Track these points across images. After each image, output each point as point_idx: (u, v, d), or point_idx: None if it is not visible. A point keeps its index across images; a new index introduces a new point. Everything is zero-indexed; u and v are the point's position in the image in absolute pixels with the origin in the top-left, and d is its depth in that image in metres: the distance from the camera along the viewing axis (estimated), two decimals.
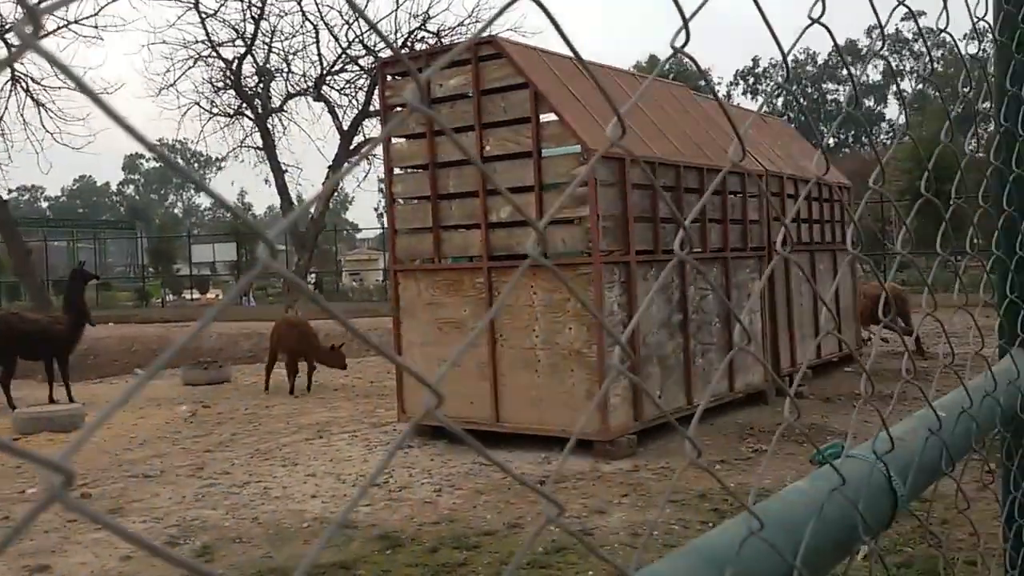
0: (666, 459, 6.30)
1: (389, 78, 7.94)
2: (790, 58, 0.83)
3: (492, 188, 7.11)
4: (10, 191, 17.29)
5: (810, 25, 0.85)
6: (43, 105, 15.46)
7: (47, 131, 15.69)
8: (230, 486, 5.93)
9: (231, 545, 4.67)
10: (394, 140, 7.89)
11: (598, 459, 6.30)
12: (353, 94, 18.22)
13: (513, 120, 7.00)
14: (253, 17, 16.60)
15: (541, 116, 6.91)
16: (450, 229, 7.48)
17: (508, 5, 0.54)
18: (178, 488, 5.93)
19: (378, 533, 4.78)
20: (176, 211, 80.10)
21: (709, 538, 0.66)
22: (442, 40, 17.11)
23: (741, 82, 52.68)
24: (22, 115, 15.97)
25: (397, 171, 7.86)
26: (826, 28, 0.89)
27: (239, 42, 16.96)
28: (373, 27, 0.41)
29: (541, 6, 0.52)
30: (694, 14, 0.63)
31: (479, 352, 7.09)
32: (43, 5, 0.31)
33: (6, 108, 15.60)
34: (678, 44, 0.62)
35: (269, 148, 18.16)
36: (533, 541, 0.57)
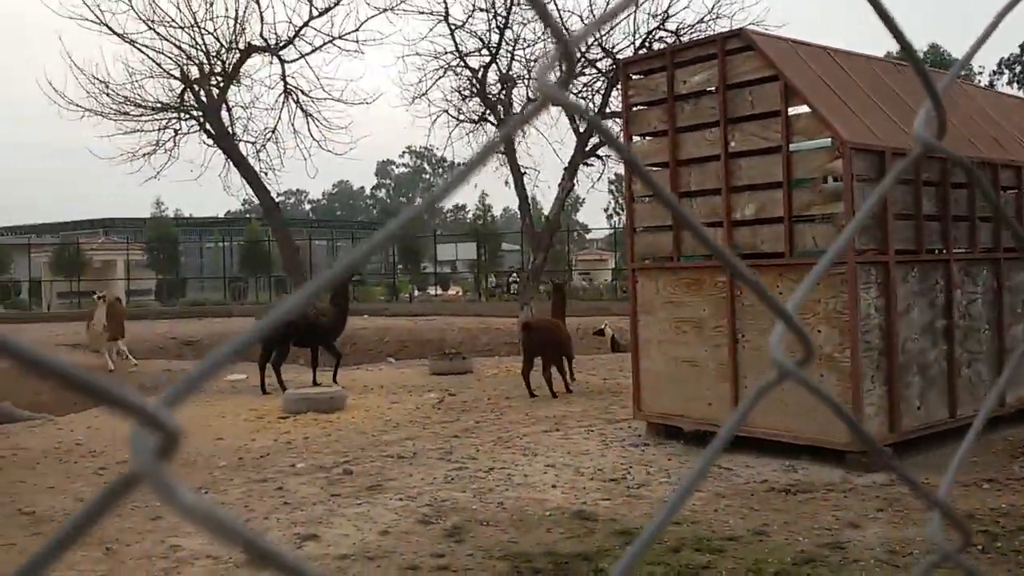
0: (927, 475, 5.82)
1: (632, 77, 7.94)
2: None
3: (736, 185, 6.92)
4: (279, 195, 19.05)
5: None
6: (311, 115, 16.90)
7: (313, 139, 17.12)
8: (476, 471, 6.19)
9: (478, 527, 4.87)
10: (635, 138, 7.89)
11: (849, 470, 5.94)
12: (590, 97, 18.40)
13: (761, 114, 6.77)
14: (498, 27, 17.19)
15: (791, 109, 6.63)
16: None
17: None
18: (429, 470, 6.28)
19: (618, 528, 4.79)
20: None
21: None
22: (681, 38, 16.85)
23: (1007, 71, 47.62)
24: (292, 125, 17.51)
25: None
26: None
27: (484, 51, 17.64)
28: None
29: None
30: None
31: (719, 352, 6.92)
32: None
33: (279, 119, 17.22)
34: None
35: (509, 151, 18.73)
36: None
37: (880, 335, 6.39)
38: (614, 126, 18.07)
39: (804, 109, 6.58)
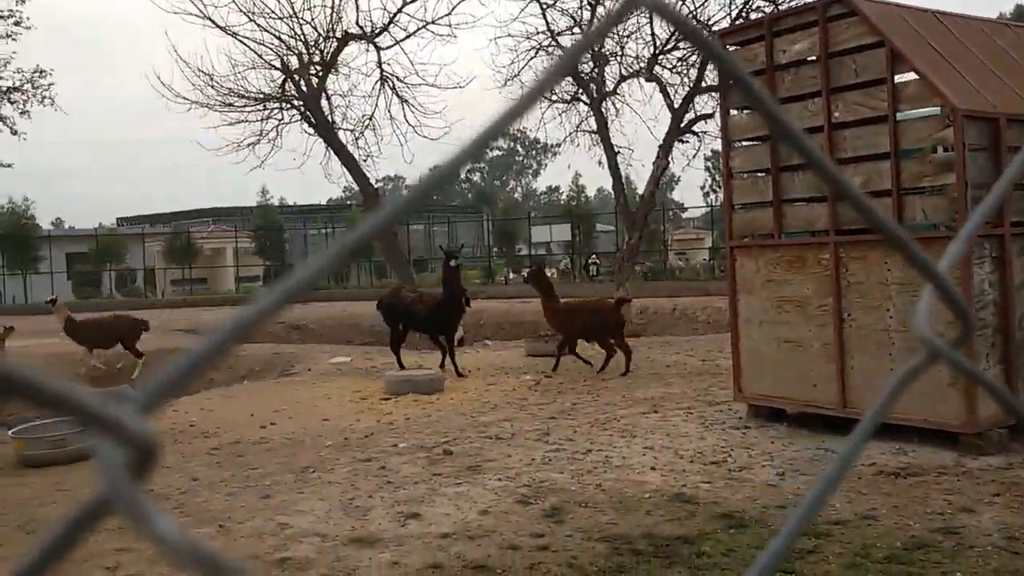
0: None
1: (728, 48, 7.73)
2: None
3: (841, 157, 6.68)
4: (377, 181, 19.41)
5: None
6: (406, 101, 17.12)
7: (409, 125, 17.34)
8: (574, 452, 6.20)
9: (577, 509, 4.88)
10: (732, 112, 7.70)
11: (963, 453, 5.69)
12: (685, 71, 18.04)
13: (866, 82, 6.50)
14: (590, 3, 17.01)
15: (897, 76, 6.35)
16: (792, 202, 7.15)
17: None
18: (527, 451, 6.32)
19: (720, 511, 4.72)
20: (516, 195, 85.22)
21: None
22: (779, 6, 16.34)
23: None
24: (389, 111, 17.77)
25: (735, 144, 7.66)
26: None
27: (576, 29, 17.50)
28: None
29: None
30: None
31: (824, 332, 6.71)
32: None
33: (376, 105, 17.50)
34: None
35: (602, 131, 18.57)
36: None
37: (995, 312, 6.09)
38: (710, 100, 17.71)
39: (911, 76, 6.29)
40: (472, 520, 4.79)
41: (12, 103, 16.84)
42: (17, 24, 16.73)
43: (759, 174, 7.51)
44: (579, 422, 7.31)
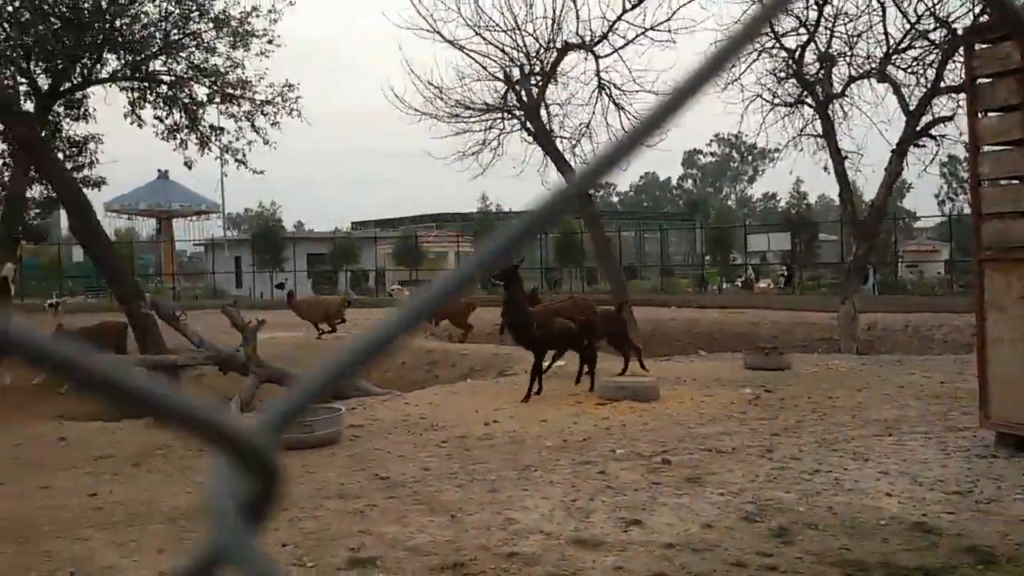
0: None
1: (975, 47, 7.18)
2: None
3: None
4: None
5: None
6: (623, 108, 17.16)
7: (625, 132, 17.39)
8: (800, 472, 5.98)
9: (806, 531, 4.71)
10: (979, 114, 7.13)
11: None
12: (921, 71, 16.90)
13: None
14: (817, 3, 16.33)
15: None
16: None
17: None
18: (750, 467, 6.16)
19: (966, 545, 4.40)
20: (730, 203, 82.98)
21: None
22: None
23: None
24: (605, 119, 17.86)
25: (985, 149, 7.09)
26: None
27: (802, 30, 16.85)
28: None
29: None
30: None
31: None
32: None
33: (593, 113, 17.69)
34: None
35: (828, 135, 17.76)
36: None
37: None
38: (949, 102, 16.46)
39: None
40: (695, 533, 4.75)
41: (265, 115, 18.41)
42: (270, 43, 18.30)
43: (1012, 181, 6.91)
44: (804, 440, 7.04)
